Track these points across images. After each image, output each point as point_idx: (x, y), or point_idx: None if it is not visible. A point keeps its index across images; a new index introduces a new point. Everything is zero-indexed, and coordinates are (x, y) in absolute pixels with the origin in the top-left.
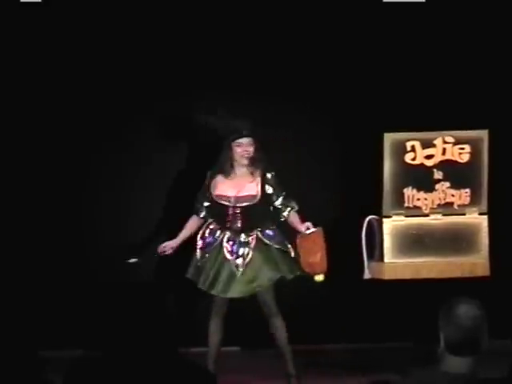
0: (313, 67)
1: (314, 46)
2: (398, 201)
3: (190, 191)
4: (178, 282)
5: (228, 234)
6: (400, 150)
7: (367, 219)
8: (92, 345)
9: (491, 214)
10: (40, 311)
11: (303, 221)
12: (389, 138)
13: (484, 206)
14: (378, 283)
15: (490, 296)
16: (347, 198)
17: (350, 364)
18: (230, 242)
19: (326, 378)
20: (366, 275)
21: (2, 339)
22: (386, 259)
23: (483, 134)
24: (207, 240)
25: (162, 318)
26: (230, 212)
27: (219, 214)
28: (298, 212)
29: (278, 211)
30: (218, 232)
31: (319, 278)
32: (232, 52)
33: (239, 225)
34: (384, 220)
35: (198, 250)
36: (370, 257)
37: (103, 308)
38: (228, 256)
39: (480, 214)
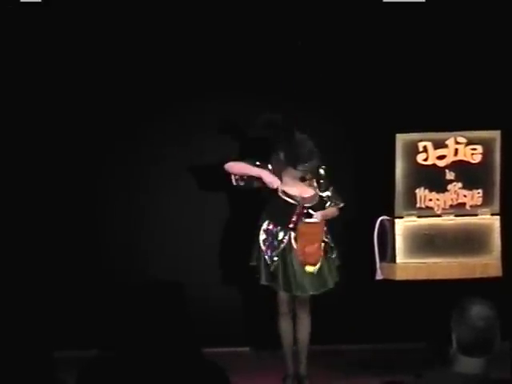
0: (322, 68)
1: (321, 47)
2: (410, 201)
3: (203, 191)
4: (190, 282)
5: (293, 234)
6: (412, 150)
7: (379, 220)
8: (105, 345)
9: (503, 214)
10: (53, 312)
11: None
12: (401, 139)
13: (496, 207)
14: (390, 284)
15: (503, 297)
16: (359, 198)
17: (363, 365)
18: None
19: (338, 378)
20: (378, 276)
21: (16, 340)
22: (398, 260)
23: (495, 135)
24: (267, 243)
25: (176, 318)
26: (297, 211)
27: (283, 212)
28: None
29: (323, 202)
30: (282, 234)
31: (310, 268)
32: (242, 54)
33: None
34: (396, 220)
35: (267, 257)
36: (382, 257)
37: (117, 308)
38: None
39: (492, 214)
